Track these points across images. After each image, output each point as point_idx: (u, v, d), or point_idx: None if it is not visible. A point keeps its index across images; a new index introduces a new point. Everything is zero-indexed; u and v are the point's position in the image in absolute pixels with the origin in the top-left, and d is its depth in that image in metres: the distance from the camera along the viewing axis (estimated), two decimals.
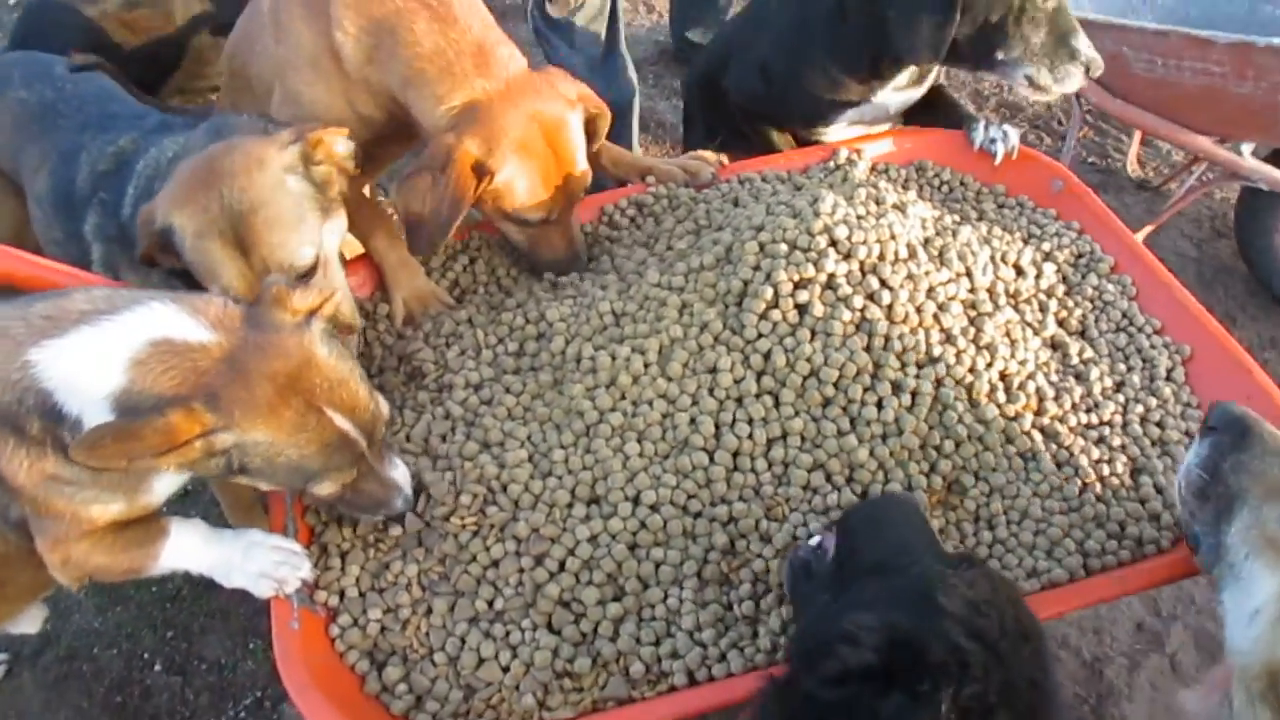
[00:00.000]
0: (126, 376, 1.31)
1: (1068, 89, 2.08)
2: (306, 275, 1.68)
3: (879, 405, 1.62)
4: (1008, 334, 1.73)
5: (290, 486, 1.44)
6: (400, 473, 1.55)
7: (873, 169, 2.11)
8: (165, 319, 1.35)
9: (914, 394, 1.63)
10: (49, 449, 1.37)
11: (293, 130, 1.71)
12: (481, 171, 1.75)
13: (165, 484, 1.49)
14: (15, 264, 1.72)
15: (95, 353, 1.33)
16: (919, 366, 1.66)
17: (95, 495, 1.42)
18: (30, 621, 1.97)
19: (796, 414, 1.62)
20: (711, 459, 1.60)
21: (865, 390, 1.63)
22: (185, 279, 1.72)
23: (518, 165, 1.79)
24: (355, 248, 2.03)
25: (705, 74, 2.81)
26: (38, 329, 1.37)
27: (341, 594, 1.57)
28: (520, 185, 1.81)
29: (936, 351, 1.66)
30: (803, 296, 1.68)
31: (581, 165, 1.87)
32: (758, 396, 1.64)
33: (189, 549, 1.54)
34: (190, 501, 2.61)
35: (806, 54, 2.29)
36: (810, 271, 1.68)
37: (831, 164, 2.10)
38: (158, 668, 2.44)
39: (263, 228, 1.63)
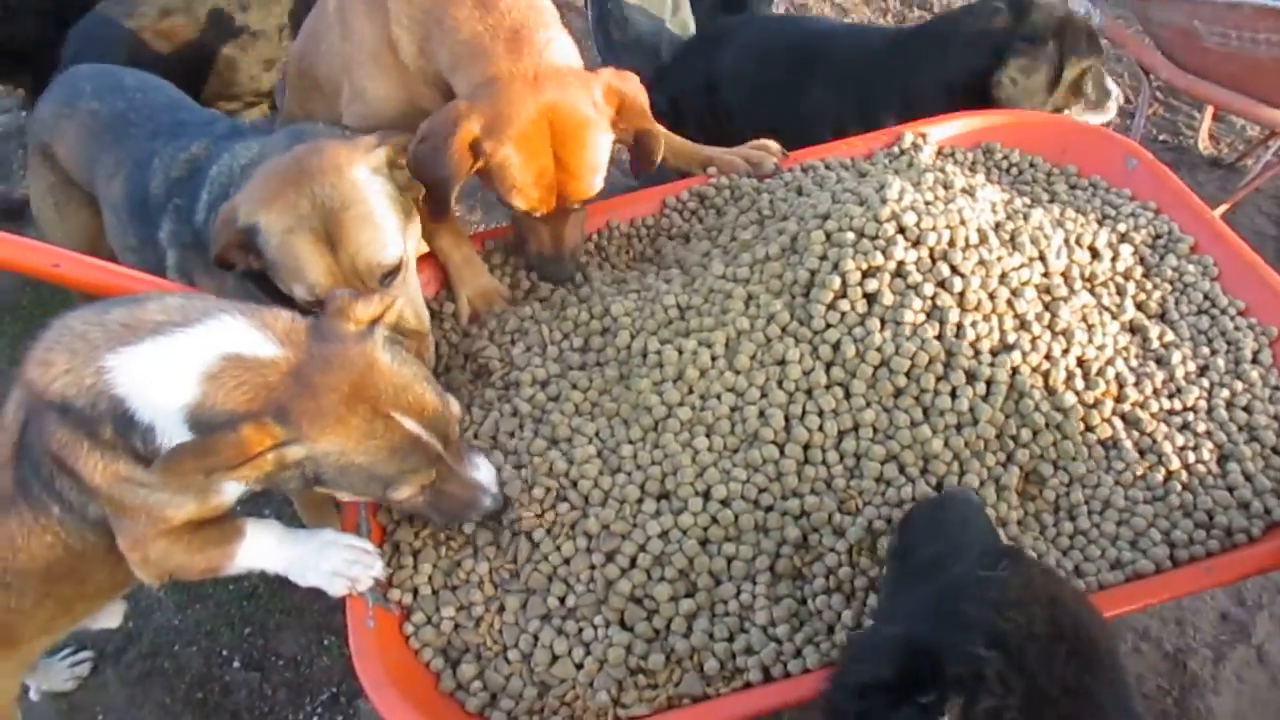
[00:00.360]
0: (200, 390, 1.34)
1: (1107, 118, 2.50)
2: (390, 275, 1.70)
3: (953, 395, 1.59)
4: (1084, 319, 1.69)
5: (369, 494, 1.45)
6: (484, 473, 1.55)
7: (939, 152, 2.07)
8: (236, 333, 1.37)
9: (989, 382, 1.59)
10: (121, 452, 1.40)
11: (377, 135, 1.74)
12: (478, 150, 1.75)
13: (236, 486, 1.51)
14: (98, 274, 1.77)
15: (169, 365, 1.36)
16: (993, 354, 1.62)
17: (168, 498, 1.46)
18: (111, 616, 2.01)
19: (868, 405, 1.59)
20: (782, 452, 1.58)
21: (938, 380, 1.60)
22: (260, 282, 1.74)
23: (512, 154, 1.76)
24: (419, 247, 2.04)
25: (705, 85, 2.86)
26: (115, 335, 1.40)
27: (415, 592, 1.58)
28: (510, 174, 1.78)
29: (1011, 338, 1.63)
30: (871, 285, 1.65)
31: (586, 174, 1.82)
32: (828, 388, 1.62)
33: (264, 549, 1.57)
34: (264, 501, 2.65)
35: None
36: (879, 260, 1.65)
37: (897, 149, 2.06)
38: (236, 664, 2.49)
39: (353, 225, 1.66)
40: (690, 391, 1.65)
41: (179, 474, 1.30)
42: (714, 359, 1.67)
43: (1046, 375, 1.62)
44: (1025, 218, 1.80)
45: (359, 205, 1.67)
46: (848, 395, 1.61)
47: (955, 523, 1.33)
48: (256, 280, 1.75)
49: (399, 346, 1.47)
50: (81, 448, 1.41)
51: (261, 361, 1.35)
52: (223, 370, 1.34)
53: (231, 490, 1.51)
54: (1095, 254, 1.81)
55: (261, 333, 1.37)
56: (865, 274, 1.66)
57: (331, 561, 1.55)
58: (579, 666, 1.46)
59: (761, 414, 1.61)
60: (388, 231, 1.69)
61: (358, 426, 1.36)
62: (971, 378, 1.59)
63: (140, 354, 1.38)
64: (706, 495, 1.56)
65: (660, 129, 1.93)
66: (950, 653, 0.99)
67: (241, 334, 1.37)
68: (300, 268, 1.66)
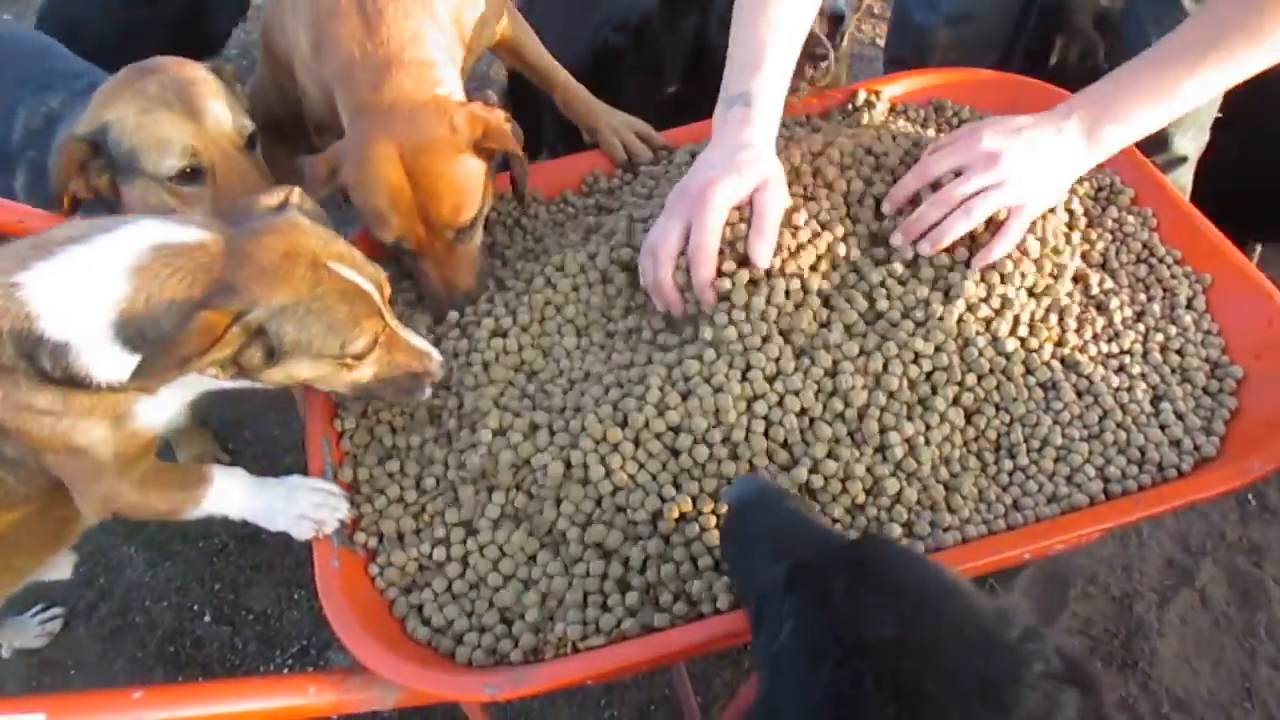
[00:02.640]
0: (131, 285, 1.34)
1: None
2: (253, 143, 1.81)
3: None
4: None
5: (328, 352, 1.46)
6: (423, 341, 1.61)
7: (891, 109, 2.12)
8: (160, 228, 1.39)
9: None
10: (21, 377, 1.38)
11: None
12: (331, 176, 1.76)
13: (151, 411, 1.52)
14: None
15: (91, 268, 1.36)
16: (943, 303, 1.66)
17: (73, 424, 1.44)
18: (60, 568, 2.00)
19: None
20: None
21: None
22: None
23: (362, 178, 1.74)
24: None
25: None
26: (23, 257, 1.38)
27: (380, 535, 1.63)
28: (364, 200, 1.77)
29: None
30: None
31: (448, 195, 1.76)
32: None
33: (232, 495, 1.60)
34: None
35: None
36: None
37: (850, 106, 2.10)
38: (207, 619, 2.53)
39: (207, 94, 1.75)
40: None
41: (155, 376, 1.31)
42: None
43: (989, 322, 1.67)
44: None
45: (207, 83, 1.76)
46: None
47: (753, 547, 1.30)
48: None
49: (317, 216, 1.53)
50: None
51: (192, 245, 1.37)
52: (154, 260, 1.35)
53: (146, 416, 1.52)
54: None
55: (183, 224, 1.40)
56: None
57: (299, 505, 1.58)
58: (540, 602, 1.51)
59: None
60: (237, 107, 1.79)
61: (303, 276, 1.40)
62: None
63: (57, 265, 1.36)
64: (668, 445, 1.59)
65: (523, 158, 1.89)
66: None
67: (165, 227, 1.39)
68: (168, 136, 1.70)
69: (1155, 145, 2.34)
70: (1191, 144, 2.44)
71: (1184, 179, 2.50)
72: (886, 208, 1.69)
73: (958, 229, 1.61)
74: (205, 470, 1.60)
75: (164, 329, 1.34)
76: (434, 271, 1.84)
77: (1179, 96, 1.56)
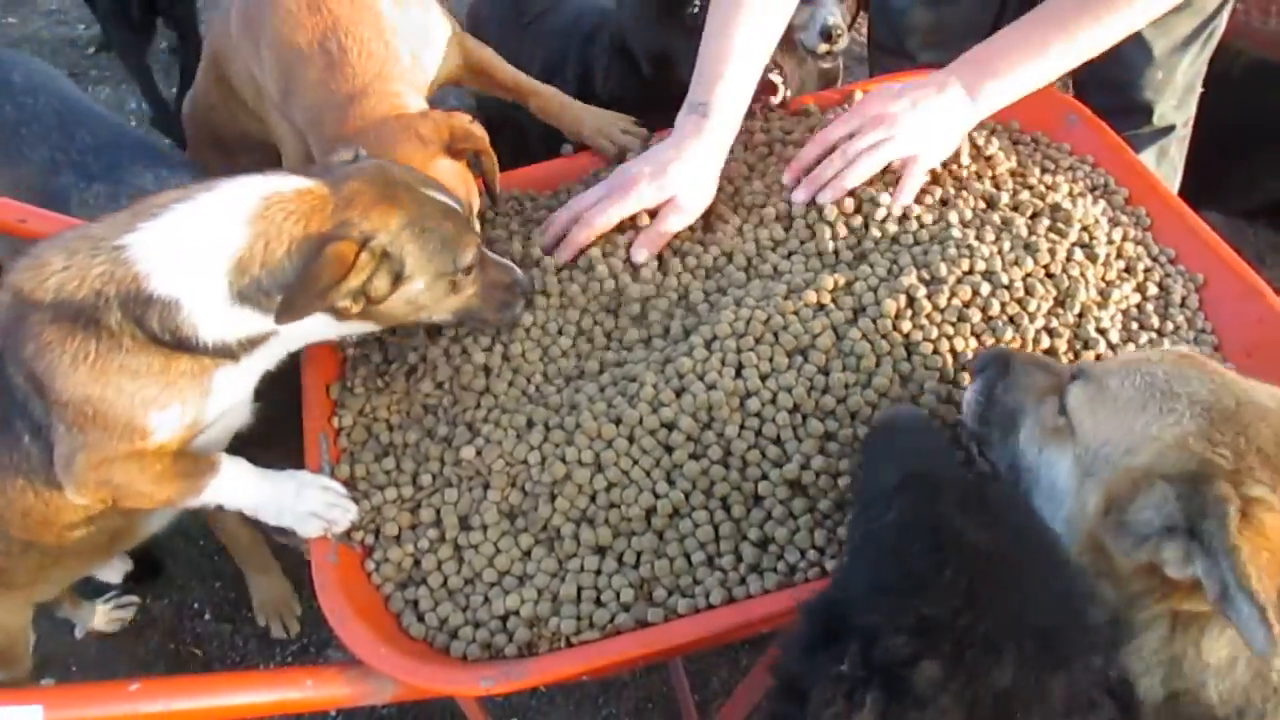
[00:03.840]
0: (250, 232, 1.39)
1: None
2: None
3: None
4: None
5: (444, 269, 1.52)
6: (500, 258, 1.68)
7: None
8: (266, 181, 1.44)
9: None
10: (125, 340, 1.40)
11: None
12: None
13: (223, 392, 1.52)
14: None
15: (204, 221, 1.40)
16: None
17: (156, 394, 1.45)
18: (112, 571, 1.98)
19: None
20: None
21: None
22: None
23: None
24: None
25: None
26: (125, 223, 1.42)
27: (377, 531, 1.64)
28: None
29: None
30: None
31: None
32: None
33: (237, 485, 1.59)
34: None
35: None
36: None
37: (845, 107, 2.11)
38: (207, 616, 2.55)
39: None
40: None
41: (297, 311, 1.37)
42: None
43: (986, 319, 1.67)
44: None
45: None
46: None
47: (881, 457, 1.37)
48: None
49: None
50: (71, 343, 1.38)
51: (301, 191, 1.42)
52: (268, 208, 1.40)
53: (219, 395, 1.52)
54: None
55: (284, 176, 1.45)
56: None
57: (309, 503, 1.58)
58: (535, 598, 1.52)
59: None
60: None
61: (410, 199, 1.47)
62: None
63: (165, 225, 1.40)
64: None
65: (492, 154, 1.86)
66: (848, 608, 1.07)
67: (270, 179, 1.44)
68: None
69: (1139, 117, 2.37)
70: (1177, 113, 2.44)
71: (1174, 151, 2.50)
72: (786, 178, 1.81)
73: (854, 178, 1.74)
74: (214, 458, 1.58)
75: (288, 271, 1.39)
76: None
77: (1051, 54, 1.72)
